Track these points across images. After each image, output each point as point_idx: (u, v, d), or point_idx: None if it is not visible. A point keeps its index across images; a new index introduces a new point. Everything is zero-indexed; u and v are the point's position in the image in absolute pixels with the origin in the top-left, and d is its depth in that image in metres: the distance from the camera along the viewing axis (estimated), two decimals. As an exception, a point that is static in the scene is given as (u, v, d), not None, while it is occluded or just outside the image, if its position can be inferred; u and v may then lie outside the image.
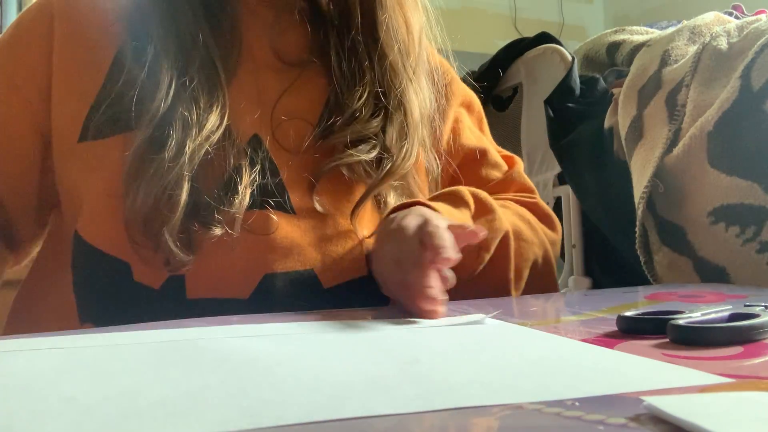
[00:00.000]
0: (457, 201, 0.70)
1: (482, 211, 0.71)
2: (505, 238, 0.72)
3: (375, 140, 0.70)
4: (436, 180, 0.79)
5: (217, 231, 0.62)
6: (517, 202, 0.81)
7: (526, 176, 0.86)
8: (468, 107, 0.87)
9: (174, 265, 0.62)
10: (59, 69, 0.68)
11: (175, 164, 0.62)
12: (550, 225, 0.81)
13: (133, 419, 0.29)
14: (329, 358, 0.41)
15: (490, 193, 0.77)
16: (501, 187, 0.83)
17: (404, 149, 0.71)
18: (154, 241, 0.61)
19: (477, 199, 0.72)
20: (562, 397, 0.32)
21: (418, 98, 0.74)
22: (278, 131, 0.69)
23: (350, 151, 0.68)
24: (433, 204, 0.65)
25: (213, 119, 0.65)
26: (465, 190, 0.72)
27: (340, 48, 0.73)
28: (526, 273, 0.75)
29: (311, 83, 0.73)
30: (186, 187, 0.62)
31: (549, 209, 0.83)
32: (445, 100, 0.81)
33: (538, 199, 0.84)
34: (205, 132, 0.64)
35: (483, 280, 0.70)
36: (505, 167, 0.85)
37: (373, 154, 0.69)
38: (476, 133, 0.85)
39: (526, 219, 0.77)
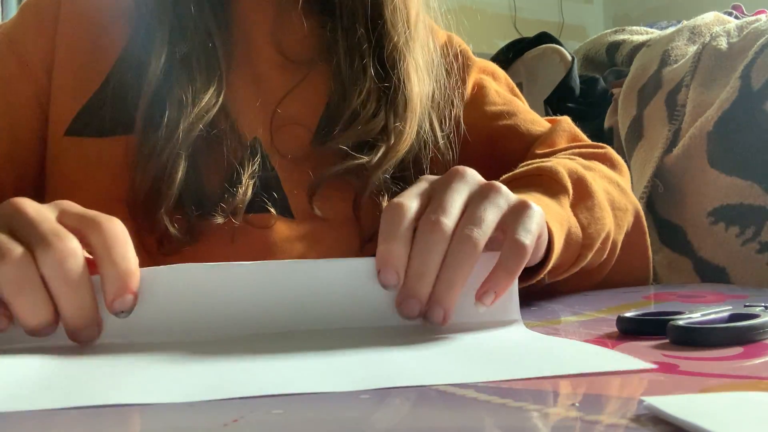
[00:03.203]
0: (554, 187, 0.62)
1: (581, 195, 0.63)
2: (606, 239, 0.65)
3: (376, 140, 0.69)
4: (446, 165, 0.73)
5: (219, 219, 0.62)
6: (586, 155, 0.72)
7: (576, 127, 0.78)
8: (492, 75, 0.82)
9: (167, 249, 0.62)
10: (61, 58, 0.69)
11: (168, 143, 0.62)
12: (625, 175, 0.74)
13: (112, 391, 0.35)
14: (308, 345, 0.44)
15: (540, 147, 0.72)
16: (550, 139, 0.75)
17: (401, 129, 0.69)
18: (152, 222, 0.61)
19: (575, 179, 0.63)
20: (501, 378, 0.35)
21: (418, 75, 0.72)
22: (277, 133, 0.69)
23: (349, 160, 0.67)
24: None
25: (207, 98, 0.64)
26: (561, 170, 0.62)
27: (347, 47, 0.72)
28: (619, 245, 0.69)
29: (313, 85, 0.72)
30: (183, 165, 0.62)
31: (619, 158, 0.75)
32: (461, 71, 0.77)
33: (608, 148, 0.75)
34: (198, 110, 0.63)
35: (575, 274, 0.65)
36: (546, 123, 0.79)
37: (372, 155, 0.68)
38: (505, 97, 0.79)
39: (614, 181, 0.70)
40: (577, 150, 0.73)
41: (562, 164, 0.64)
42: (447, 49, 0.77)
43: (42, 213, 0.44)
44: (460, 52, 0.79)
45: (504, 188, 0.49)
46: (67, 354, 0.42)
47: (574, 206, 0.62)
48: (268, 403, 0.32)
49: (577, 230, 0.61)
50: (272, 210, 0.65)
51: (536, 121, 0.78)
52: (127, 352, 0.43)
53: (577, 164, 0.66)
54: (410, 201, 0.48)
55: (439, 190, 0.49)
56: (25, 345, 0.43)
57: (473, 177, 0.50)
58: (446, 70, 0.76)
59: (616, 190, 0.69)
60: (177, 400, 0.33)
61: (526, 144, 0.75)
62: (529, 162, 0.67)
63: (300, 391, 0.34)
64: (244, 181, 0.63)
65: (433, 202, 0.48)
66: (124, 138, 0.65)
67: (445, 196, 0.48)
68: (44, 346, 0.43)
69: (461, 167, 0.51)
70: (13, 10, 2.31)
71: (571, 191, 0.62)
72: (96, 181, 0.65)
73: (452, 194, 0.48)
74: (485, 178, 0.71)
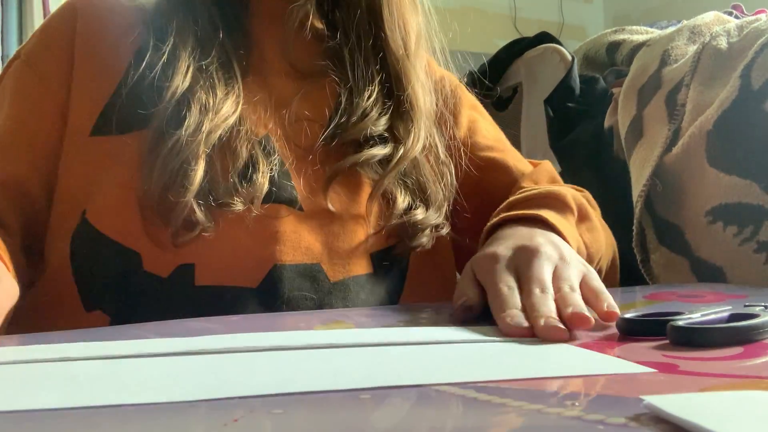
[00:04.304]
0: (562, 207, 0.69)
1: (582, 218, 0.71)
2: (600, 260, 0.72)
3: (386, 136, 0.72)
4: (448, 185, 0.77)
5: (239, 206, 0.64)
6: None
7: (555, 171, 0.85)
8: (481, 113, 0.87)
9: (179, 241, 0.64)
10: (80, 66, 0.71)
11: (192, 140, 0.64)
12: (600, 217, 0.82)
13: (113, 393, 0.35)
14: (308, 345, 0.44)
15: (526, 182, 0.78)
16: (536, 176, 0.81)
17: (412, 133, 0.72)
18: (166, 216, 0.63)
19: (578, 203, 0.71)
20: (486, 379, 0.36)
21: (423, 90, 0.76)
22: (290, 130, 0.71)
23: (365, 151, 0.70)
24: (549, 218, 0.64)
25: (228, 106, 0.67)
26: (567, 193, 0.70)
27: (353, 59, 0.75)
28: (604, 272, 0.75)
29: (323, 90, 0.74)
30: (202, 164, 0.63)
31: (595, 203, 0.82)
32: (454, 104, 0.82)
33: (586, 192, 0.82)
34: (221, 115, 0.66)
35: None
36: (529, 165, 0.84)
37: (386, 149, 0.71)
38: (495, 135, 0.85)
39: (599, 216, 0.78)
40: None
41: (569, 191, 0.71)
42: (440, 84, 0.81)
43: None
44: (454, 88, 0.83)
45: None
46: (67, 355, 0.42)
47: (578, 225, 0.69)
48: (268, 403, 0.32)
49: (582, 248, 0.68)
50: (289, 199, 0.67)
51: (522, 161, 0.84)
52: (127, 353, 0.43)
53: (581, 198, 0.73)
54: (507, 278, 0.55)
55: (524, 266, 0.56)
56: (25, 345, 0.43)
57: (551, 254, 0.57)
58: (441, 99, 0.80)
59: (601, 225, 0.76)
60: (177, 400, 0.33)
61: (513, 179, 0.80)
62: (529, 188, 0.75)
63: (300, 390, 0.34)
64: (259, 176, 0.65)
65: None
66: (140, 133, 0.67)
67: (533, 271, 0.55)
68: (44, 348, 0.43)
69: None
70: (13, 11, 2.31)
71: (576, 212, 0.69)
72: (114, 176, 0.67)
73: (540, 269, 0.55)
74: (469, 207, 0.78)
